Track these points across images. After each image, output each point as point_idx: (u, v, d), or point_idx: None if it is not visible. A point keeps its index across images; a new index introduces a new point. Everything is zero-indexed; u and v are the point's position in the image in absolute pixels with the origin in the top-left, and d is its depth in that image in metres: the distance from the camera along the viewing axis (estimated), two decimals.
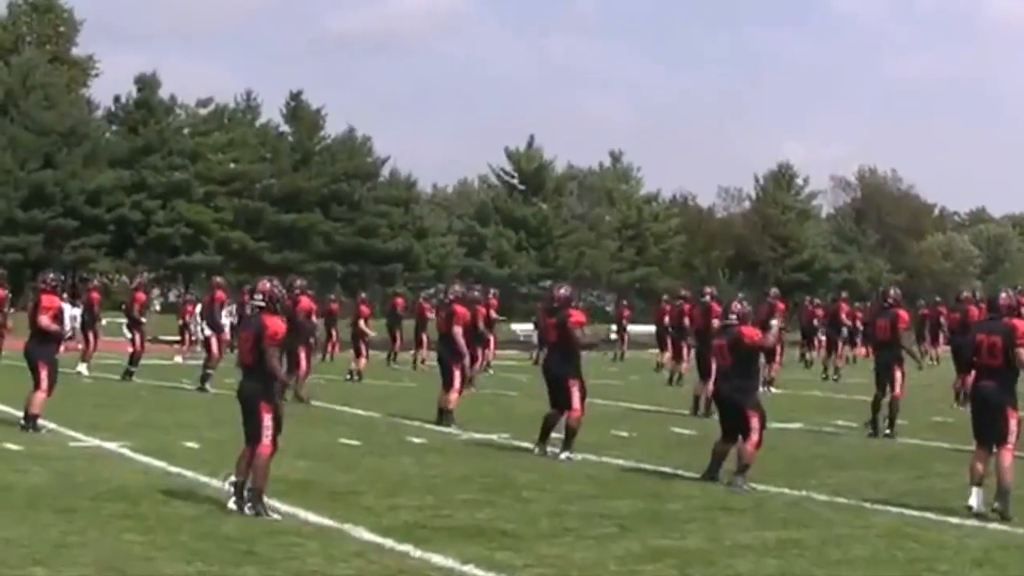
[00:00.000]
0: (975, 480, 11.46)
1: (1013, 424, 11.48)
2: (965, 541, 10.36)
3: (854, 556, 9.84)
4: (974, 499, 11.35)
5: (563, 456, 14.97)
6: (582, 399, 15.18)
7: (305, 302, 21.88)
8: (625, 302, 47.18)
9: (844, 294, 37.32)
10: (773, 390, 25.61)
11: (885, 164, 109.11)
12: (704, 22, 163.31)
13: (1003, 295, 11.96)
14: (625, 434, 18.39)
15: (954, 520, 11.19)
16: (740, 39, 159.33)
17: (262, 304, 11.23)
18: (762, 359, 18.18)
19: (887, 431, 18.10)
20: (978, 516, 11.19)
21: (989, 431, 11.57)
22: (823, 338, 34.51)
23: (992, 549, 10.06)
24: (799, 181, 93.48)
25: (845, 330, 33.29)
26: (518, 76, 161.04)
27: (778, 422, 19.36)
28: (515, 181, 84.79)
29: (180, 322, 38.27)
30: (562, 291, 16.15)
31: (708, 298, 21.99)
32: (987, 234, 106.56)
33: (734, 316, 13.82)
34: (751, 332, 13.70)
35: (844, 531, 10.83)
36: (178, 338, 38.18)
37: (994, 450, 11.53)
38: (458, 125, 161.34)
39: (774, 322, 15.64)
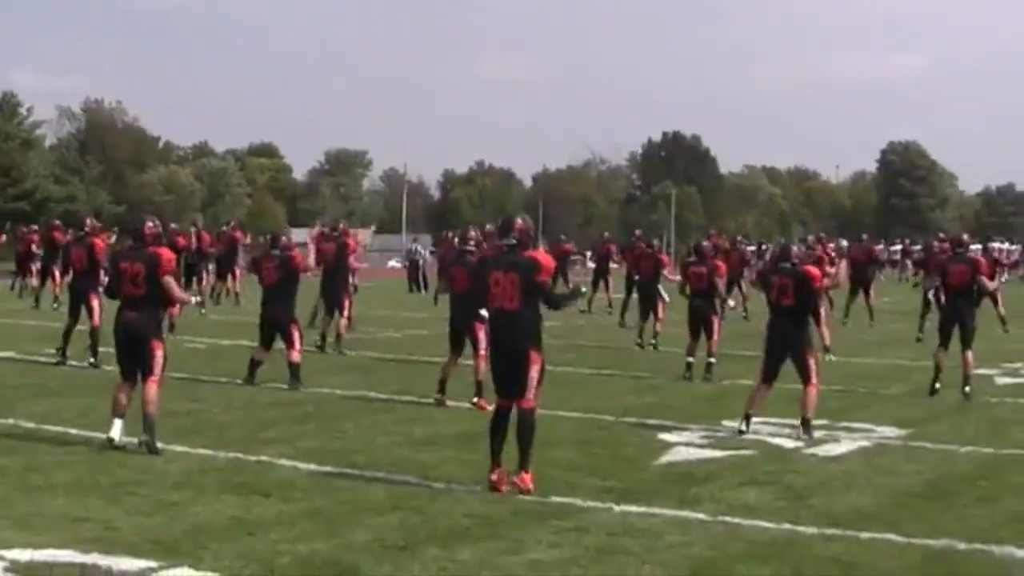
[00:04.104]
0: (117, 412, 11.54)
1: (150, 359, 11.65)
2: (167, 466, 10.66)
3: (56, 481, 9.87)
4: (114, 431, 11.41)
5: None
6: None
7: None
8: None
9: (57, 222, 36.75)
10: None
11: (115, 96, 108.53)
12: None
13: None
14: None
15: (161, 446, 11.30)
16: None
17: None
18: None
19: (91, 360, 18.02)
20: (116, 448, 11.20)
21: (132, 366, 11.69)
22: (38, 266, 34.24)
23: (193, 472, 10.43)
24: (23, 110, 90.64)
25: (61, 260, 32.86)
26: None
27: None
28: None
29: None
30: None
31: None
32: (209, 168, 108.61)
33: None
34: None
35: (48, 458, 10.84)
36: None
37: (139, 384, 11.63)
38: None
39: None
